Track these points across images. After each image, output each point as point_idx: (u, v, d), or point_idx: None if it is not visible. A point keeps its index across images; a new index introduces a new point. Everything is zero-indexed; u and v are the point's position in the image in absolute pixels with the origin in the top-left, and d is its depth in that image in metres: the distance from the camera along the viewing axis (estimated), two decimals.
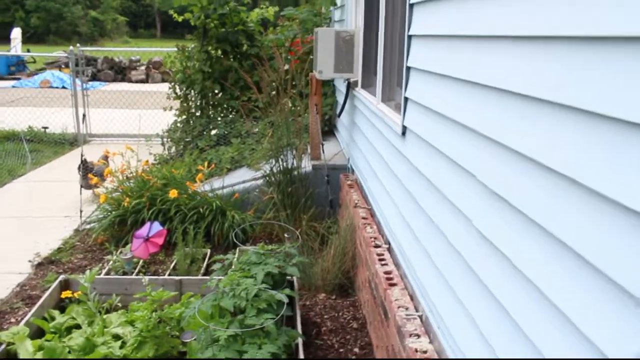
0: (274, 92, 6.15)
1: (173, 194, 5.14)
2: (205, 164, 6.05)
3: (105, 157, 6.64)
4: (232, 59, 7.69)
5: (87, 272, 3.78)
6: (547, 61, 1.48)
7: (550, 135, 1.45)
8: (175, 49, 7.95)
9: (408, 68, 3.12)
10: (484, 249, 1.86)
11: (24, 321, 3.40)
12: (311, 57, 6.60)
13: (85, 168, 6.42)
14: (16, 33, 21.05)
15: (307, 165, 5.79)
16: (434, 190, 2.54)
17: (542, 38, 1.51)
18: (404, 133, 3.22)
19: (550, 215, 1.42)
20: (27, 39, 28.07)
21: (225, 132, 7.32)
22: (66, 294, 3.75)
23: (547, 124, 1.47)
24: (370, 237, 3.80)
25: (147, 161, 5.99)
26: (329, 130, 7.24)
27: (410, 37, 3.09)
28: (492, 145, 1.85)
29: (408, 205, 3.12)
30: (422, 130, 2.82)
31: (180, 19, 8.02)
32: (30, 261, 4.86)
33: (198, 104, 7.79)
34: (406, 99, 3.16)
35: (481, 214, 1.94)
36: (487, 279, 1.85)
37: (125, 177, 5.54)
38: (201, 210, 5.17)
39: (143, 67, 20.85)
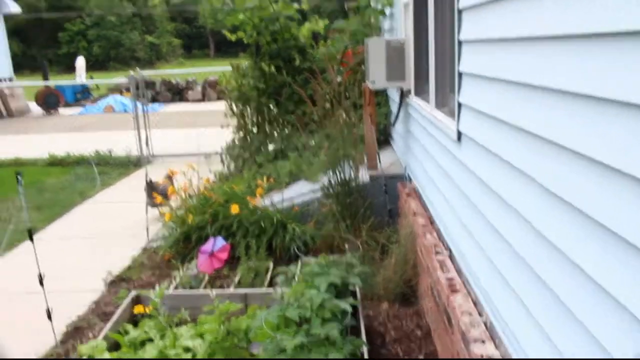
0: (328, 105, 6.21)
1: (234, 209, 5.25)
2: (264, 178, 6.15)
3: (169, 177, 6.87)
4: (285, 74, 7.83)
5: (157, 288, 3.94)
6: (619, 61, 1.37)
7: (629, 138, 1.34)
8: (230, 67, 8.15)
9: (460, 73, 3.12)
10: (553, 254, 1.85)
11: (101, 335, 3.58)
12: (363, 67, 6.64)
13: (150, 188, 6.68)
14: (80, 62, 22.10)
15: (364, 175, 5.81)
16: (492, 194, 2.54)
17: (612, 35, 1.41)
18: (459, 138, 3.22)
19: (619, 219, 1.40)
20: (90, 67, 29.40)
21: (282, 147, 7.41)
22: (138, 309, 3.92)
23: (620, 127, 1.38)
24: (431, 245, 3.79)
25: (207, 179, 6.15)
26: (384, 139, 7.25)
27: (460, 42, 3.09)
28: (550, 148, 1.84)
29: (466, 210, 3.11)
30: (477, 134, 2.81)
31: (233, 37, 8.21)
32: (103, 279, 5.09)
33: (254, 120, 7.94)
34: (459, 104, 3.16)
35: (542, 217, 1.94)
36: (550, 280, 1.84)
37: (188, 195, 5.70)
38: (262, 224, 5.26)
39: (199, 87, 21.48)
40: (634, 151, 1.32)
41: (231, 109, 7.95)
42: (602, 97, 1.46)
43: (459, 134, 3.21)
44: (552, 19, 1.79)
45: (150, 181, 6.75)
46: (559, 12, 1.75)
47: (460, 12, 3.07)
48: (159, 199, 6.10)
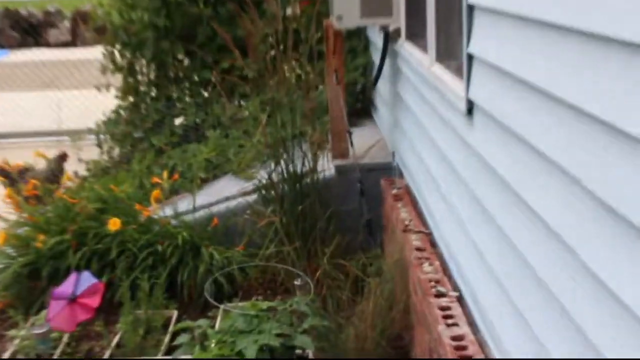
0: (269, 54, 6.14)
1: (114, 224, 5.18)
2: (165, 173, 6.08)
3: (3, 172, 6.73)
4: (201, 4, 7.74)
5: None
6: None
7: None
8: None
9: (470, 7, 3.13)
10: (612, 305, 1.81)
11: None
12: None
13: None
14: None
15: (327, 166, 5.80)
16: (519, 204, 2.53)
17: None
18: (469, 111, 3.21)
19: None
20: None
21: (197, 121, 7.38)
22: None
23: None
24: (430, 280, 3.80)
25: (68, 175, 6.06)
26: (361, 108, 7.26)
27: None
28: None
29: (480, 227, 3.12)
30: (497, 106, 2.81)
31: None
32: None
33: (151, 78, 7.88)
34: (470, 57, 3.16)
35: (594, 246, 1.91)
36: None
37: (37, 202, 5.58)
38: (160, 248, 5.22)
39: (66, 23, 21.16)
40: None
41: (113, 61, 7.88)
42: None
43: (470, 105, 3.21)
44: None
45: None
46: None
47: None
48: None
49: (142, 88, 7.96)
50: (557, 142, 2.21)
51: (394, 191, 5.20)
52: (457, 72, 3.63)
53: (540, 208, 2.36)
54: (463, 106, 3.29)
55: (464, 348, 3.14)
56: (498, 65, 2.79)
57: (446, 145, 3.80)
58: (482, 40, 3.03)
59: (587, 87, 1.96)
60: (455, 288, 3.66)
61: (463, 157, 3.43)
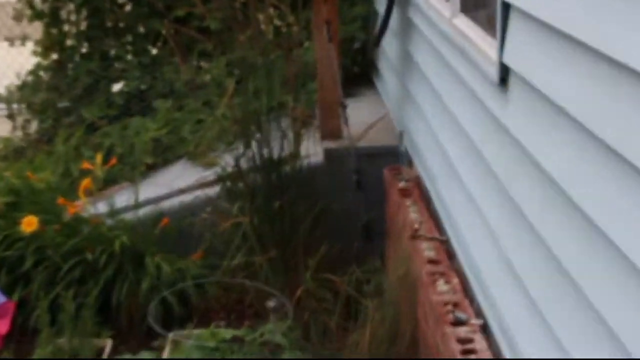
0: (238, 1, 6.13)
1: (30, 224, 5.16)
2: (99, 156, 6.02)
3: None
4: None
5: None
6: None
7: None
8: None
9: None
10: None
11: None
12: None
13: None
14: None
15: (313, 150, 5.79)
16: (572, 211, 2.49)
17: None
18: (503, 80, 3.19)
19: None
20: None
21: (142, 88, 7.38)
22: None
23: None
24: (445, 303, 3.79)
25: None
26: (360, 72, 7.25)
27: None
28: None
29: (516, 236, 3.10)
30: (543, 76, 2.77)
31: None
32: None
33: (81, 28, 7.88)
34: (506, 5, 3.13)
35: None
36: None
37: None
38: (90, 256, 5.19)
39: None
40: None
41: (30, 4, 7.85)
42: None
43: (504, 72, 3.19)
44: None
45: None
46: None
47: None
48: None
49: (70, 42, 7.92)
50: (630, 130, 2.14)
51: (401, 184, 5.19)
52: (488, 26, 3.61)
53: (601, 218, 2.30)
54: (495, 73, 3.26)
55: None
56: (545, 20, 2.73)
57: (472, 126, 3.78)
58: None
59: None
60: (479, 314, 3.64)
61: (494, 142, 3.41)
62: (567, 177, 2.58)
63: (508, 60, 3.14)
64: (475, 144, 3.71)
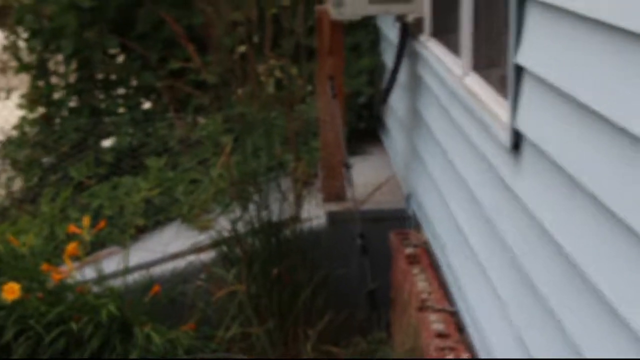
0: (237, 52, 6.14)
1: (11, 292, 5.13)
2: (87, 218, 6.01)
3: None
4: None
5: None
6: None
7: None
8: None
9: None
10: None
11: None
12: None
13: None
14: None
15: (314, 213, 5.82)
16: (589, 293, 2.46)
17: None
18: (516, 145, 3.20)
19: None
20: None
21: (133, 145, 7.39)
22: None
23: None
24: None
25: None
26: (366, 129, 7.29)
27: None
28: None
29: (530, 315, 3.09)
30: (556, 144, 2.78)
31: None
32: None
33: (70, 81, 7.93)
34: (519, 68, 3.15)
35: None
36: None
37: None
38: (75, 326, 5.15)
39: None
40: None
41: (17, 55, 7.94)
42: None
43: (516, 137, 3.20)
44: None
45: None
46: None
47: None
48: None
49: (57, 95, 7.98)
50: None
51: (408, 250, 5.19)
52: (501, 86, 3.62)
53: (616, 300, 2.29)
54: (507, 138, 3.27)
55: None
56: (559, 86, 2.73)
57: (483, 192, 3.79)
58: (537, 46, 3.01)
59: None
60: None
61: (505, 211, 3.42)
62: (581, 254, 2.57)
63: (521, 125, 3.15)
64: (486, 212, 3.72)
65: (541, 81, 2.93)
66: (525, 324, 3.17)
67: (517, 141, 3.19)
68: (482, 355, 3.84)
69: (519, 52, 3.13)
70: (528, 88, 3.11)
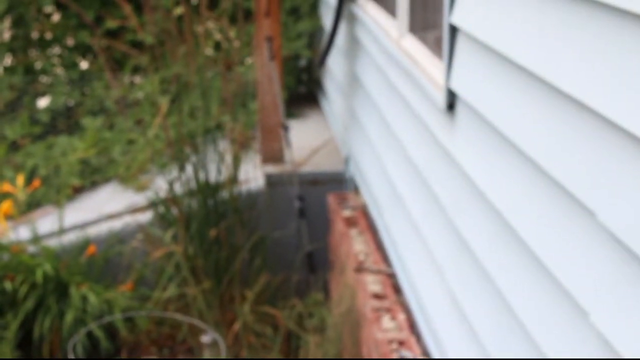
0: (174, 12, 6.11)
1: None
2: (21, 177, 5.99)
3: None
4: None
5: None
6: None
7: None
8: None
9: None
10: None
11: None
12: None
13: None
14: None
15: (253, 175, 5.80)
16: (519, 247, 2.52)
17: None
18: (451, 105, 3.22)
19: None
20: None
21: (69, 105, 7.31)
22: None
23: None
24: (390, 341, 3.80)
25: None
26: (306, 93, 7.32)
27: None
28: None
29: (463, 271, 3.12)
30: (490, 103, 2.80)
31: None
32: None
33: (4, 39, 7.80)
34: (454, 28, 3.16)
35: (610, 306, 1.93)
36: None
37: None
38: (10, 286, 5.15)
39: None
40: None
41: None
42: None
43: (451, 97, 3.22)
44: None
45: None
46: None
47: None
48: None
49: None
50: (579, 164, 2.12)
51: (346, 213, 5.22)
52: (436, 47, 3.63)
53: (546, 255, 2.32)
54: (442, 98, 3.27)
55: None
56: (494, 46, 2.74)
57: (419, 153, 3.79)
58: (471, 6, 3.00)
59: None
60: (426, 352, 3.64)
61: (440, 171, 3.43)
62: (513, 212, 2.60)
63: (455, 86, 3.16)
64: (422, 173, 3.73)
65: (475, 41, 2.95)
66: (460, 284, 3.19)
67: (452, 101, 3.21)
68: (417, 315, 3.84)
69: (453, 12, 3.13)
70: (462, 48, 3.12)
